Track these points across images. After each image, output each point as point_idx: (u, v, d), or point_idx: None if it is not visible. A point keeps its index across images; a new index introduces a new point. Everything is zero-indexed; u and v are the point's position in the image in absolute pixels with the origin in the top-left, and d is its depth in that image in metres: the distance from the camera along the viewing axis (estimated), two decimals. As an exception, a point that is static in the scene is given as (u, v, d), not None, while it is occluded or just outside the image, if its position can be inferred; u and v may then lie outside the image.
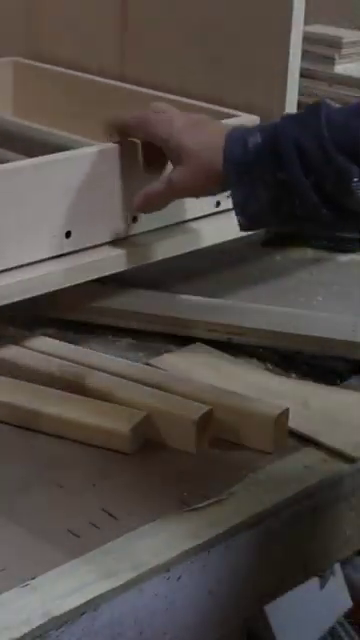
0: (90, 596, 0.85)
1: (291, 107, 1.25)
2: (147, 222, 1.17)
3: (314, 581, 1.59)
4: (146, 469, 1.01)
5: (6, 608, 0.82)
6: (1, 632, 0.80)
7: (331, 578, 1.63)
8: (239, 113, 1.26)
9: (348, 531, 1.07)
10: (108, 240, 1.15)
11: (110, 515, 0.94)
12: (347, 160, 0.98)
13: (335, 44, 1.69)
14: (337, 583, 1.67)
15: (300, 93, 1.28)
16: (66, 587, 0.85)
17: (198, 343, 1.22)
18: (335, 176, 0.99)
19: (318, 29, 1.70)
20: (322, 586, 1.62)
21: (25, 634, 0.81)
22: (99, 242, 1.14)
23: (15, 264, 1.07)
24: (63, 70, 1.44)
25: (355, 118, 0.99)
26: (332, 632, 1.67)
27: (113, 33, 1.42)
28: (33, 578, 0.86)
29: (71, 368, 1.11)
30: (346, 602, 1.69)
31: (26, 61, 1.49)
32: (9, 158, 1.21)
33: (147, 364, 1.17)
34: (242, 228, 1.07)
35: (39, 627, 0.81)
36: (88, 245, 1.13)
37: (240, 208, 1.05)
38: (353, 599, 1.70)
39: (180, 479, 0.99)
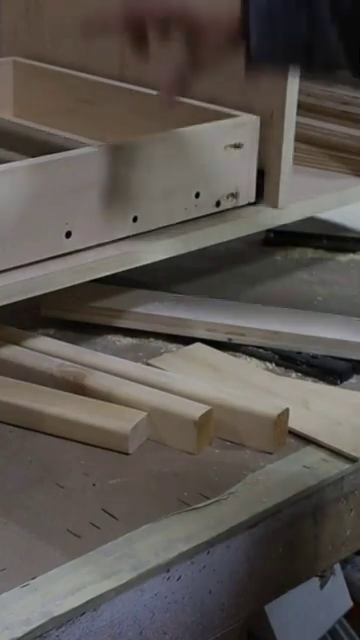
0: (90, 596, 0.85)
1: (291, 107, 1.25)
2: (147, 222, 1.17)
3: (314, 581, 1.59)
4: (146, 469, 1.01)
5: (6, 608, 0.82)
6: (1, 632, 0.80)
7: (331, 578, 1.63)
8: (239, 113, 1.26)
9: (348, 531, 1.07)
10: (108, 240, 1.15)
11: (110, 515, 0.94)
12: None
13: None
14: (337, 583, 1.67)
15: (300, 93, 1.28)
16: (66, 587, 0.85)
17: (198, 343, 1.22)
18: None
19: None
20: (322, 586, 1.62)
21: (25, 634, 0.81)
22: (99, 242, 1.14)
23: (15, 264, 1.07)
24: (63, 70, 1.44)
25: None
26: (332, 632, 1.67)
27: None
28: (33, 578, 0.86)
29: (71, 368, 1.11)
30: (346, 602, 1.69)
31: (26, 61, 1.49)
32: (9, 158, 1.21)
33: (147, 364, 1.17)
34: (249, 62, 1.01)
35: (39, 627, 0.82)
36: (88, 245, 1.13)
37: (254, 39, 0.98)
38: (353, 599, 1.70)
39: (180, 479, 0.99)
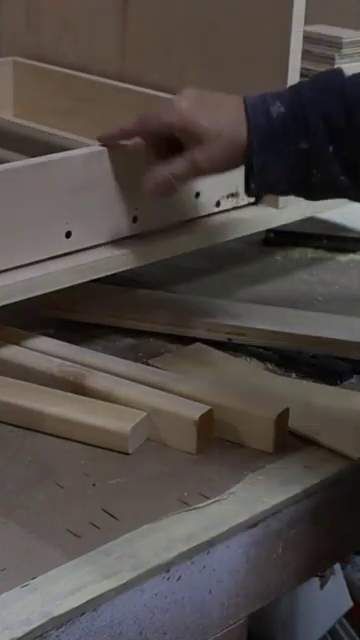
0: (90, 596, 0.85)
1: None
2: (147, 222, 1.17)
3: (314, 581, 1.59)
4: (146, 469, 1.01)
5: (6, 608, 0.82)
6: (1, 632, 0.80)
7: (331, 578, 1.63)
8: (239, 113, 1.26)
9: (348, 531, 1.07)
10: (108, 240, 1.15)
11: (110, 515, 0.94)
12: None
13: (335, 44, 1.69)
14: (337, 583, 1.67)
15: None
16: (66, 587, 0.85)
17: (198, 343, 1.22)
18: (357, 145, 1.00)
19: (318, 29, 1.70)
20: (322, 586, 1.62)
21: (25, 634, 0.81)
22: (99, 242, 1.14)
23: (15, 264, 1.07)
24: (63, 70, 1.44)
25: None
26: (332, 632, 1.67)
27: (113, 33, 1.42)
28: (33, 578, 0.86)
29: (71, 368, 1.11)
30: (346, 602, 1.69)
31: (26, 61, 1.49)
32: (9, 158, 1.21)
33: (147, 364, 1.17)
34: (251, 193, 1.08)
35: (39, 627, 0.81)
36: (88, 245, 1.13)
37: (257, 175, 1.04)
38: (353, 599, 1.70)
39: (180, 479, 0.99)
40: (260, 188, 1.07)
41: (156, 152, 1.09)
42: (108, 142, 1.13)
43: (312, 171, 1.03)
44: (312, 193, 1.08)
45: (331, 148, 1.01)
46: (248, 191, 1.07)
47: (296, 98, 1.03)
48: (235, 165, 1.07)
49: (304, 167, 1.03)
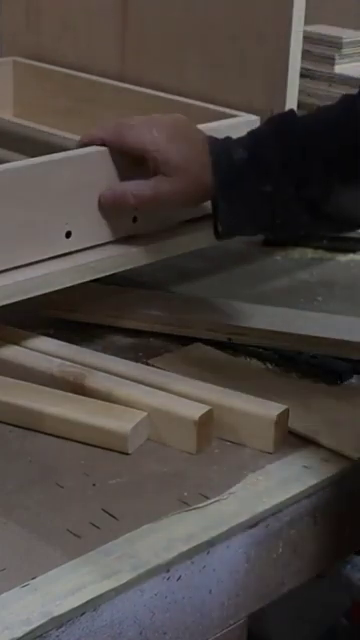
0: (90, 596, 0.85)
1: (291, 107, 1.25)
2: (147, 222, 1.17)
3: (314, 581, 1.59)
4: (146, 469, 1.01)
5: (6, 608, 0.82)
6: (1, 632, 0.80)
7: (331, 578, 1.63)
8: (239, 113, 1.26)
9: (348, 531, 1.07)
10: (108, 240, 1.15)
11: (110, 515, 0.94)
12: (328, 168, 1.05)
13: (335, 44, 1.69)
14: (337, 583, 1.67)
15: (300, 93, 1.28)
16: (66, 587, 0.85)
17: (198, 343, 1.22)
18: (317, 184, 1.05)
19: (318, 29, 1.70)
20: (322, 586, 1.62)
21: (25, 634, 0.81)
22: (99, 242, 1.14)
23: (15, 264, 1.07)
24: (63, 70, 1.44)
25: (333, 129, 1.06)
26: (332, 632, 1.67)
27: (113, 33, 1.43)
28: (33, 578, 0.86)
29: (71, 368, 1.11)
30: (346, 602, 1.70)
31: (26, 61, 1.49)
32: (9, 158, 1.21)
33: (147, 364, 1.17)
34: (219, 237, 1.12)
35: (39, 627, 0.81)
36: (88, 245, 1.13)
37: (223, 219, 1.09)
38: (353, 599, 1.70)
39: (180, 479, 0.99)
40: (227, 230, 1.11)
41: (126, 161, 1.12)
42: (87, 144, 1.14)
43: (276, 212, 1.07)
44: (277, 233, 1.16)
45: (292, 189, 1.06)
46: (217, 234, 1.11)
47: (256, 143, 1.08)
48: (194, 204, 1.13)
49: (268, 209, 1.07)
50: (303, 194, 1.06)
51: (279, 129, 1.08)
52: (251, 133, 1.10)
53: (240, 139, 1.10)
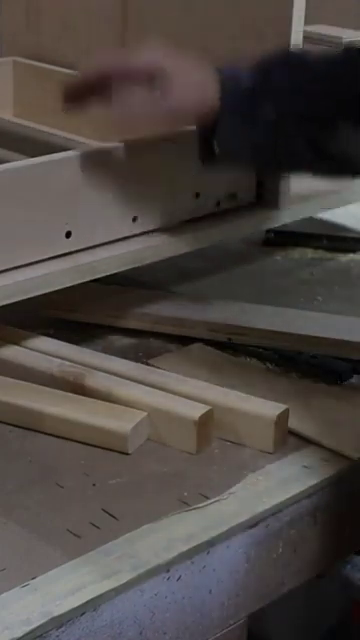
0: (90, 596, 0.85)
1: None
2: (147, 222, 1.17)
3: (314, 581, 1.59)
4: (146, 469, 1.01)
5: (6, 608, 0.82)
6: (1, 632, 0.80)
7: (331, 578, 1.63)
8: (239, 113, 1.26)
9: (348, 531, 1.07)
10: (108, 240, 1.15)
11: (110, 515, 0.94)
12: (333, 106, 1.03)
13: (335, 44, 1.69)
14: (337, 583, 1.67)
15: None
16: (66, 587, 0.85)
17: (198, 343, 1.22)
18: (323, 121, 1.04)
19: (318, 29, 1.70)
20: (322, 586, 1.62)
21: (25, 634, 0.81)
22: (99, 242, 1.14)
23: (15, 264, 1.07)
24: (63, 70, 1.44)
25: (338, 66, 1.06)
26: (332, 632, 1.67)
27: (113, 33, 1.42)
28: (33, 578, 0.86)
29: (71, 368, 1.11)
30: (346, 602, 1.69)
31: (26, 61, 1.49)
32: (9, 158, 1.21)
33: (147, 364, 1.17)
34: (212, 160, 1.09)
35: (39, 627, 0.82)
36: (88, 245, 1.13)
37: (223, 137, 1.06)
38: (353, 599, 1.70)
39: (180, 479, 0.99)
40: (223, 151, 1.08)
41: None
42: (72, 96, 1.11)
43: (278, 142, 1.05)
44: (274, 164, 1.11)
45: (297, 122, 1.04)
46: (206, 155, 1.08)
47: (266, 70, 1.06)
48: (196, 122, 1.08)
49: (270, 138, 1.05)
50: (307, 128, 1.05)
51: (291, 62, 1.07)
52: (261, 61, 1.08)
53: (249, 66, 1.08)
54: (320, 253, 1.52)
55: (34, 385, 1.09)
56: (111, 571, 0.87)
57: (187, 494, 0.97)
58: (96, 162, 1.11)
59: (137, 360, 1.17)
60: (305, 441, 1.06)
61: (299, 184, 1.31)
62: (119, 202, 1.14)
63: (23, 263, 1.08)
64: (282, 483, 1.00)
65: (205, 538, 0.92)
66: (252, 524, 0.96)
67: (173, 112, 1.07)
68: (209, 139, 1.08)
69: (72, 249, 1.12)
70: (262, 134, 1.06)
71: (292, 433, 1.07)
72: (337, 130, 1.04)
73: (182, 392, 1.07)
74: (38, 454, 1.02)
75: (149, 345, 1.23)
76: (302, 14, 1.24)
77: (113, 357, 1.15)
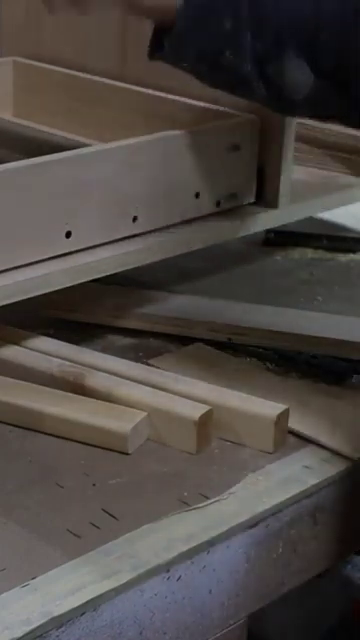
0: (90, 596, 0.85)
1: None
2: (147, 222, 1.17)
3: (314, 581, 1.59)
4: (146, 469, 1.01)
5: (6, 608, 0.82)
6: (1, 632, 0.80)
7: (331, 578, 1.63)
8: (239, 113, 1.26)
9: (348, 531, 1.07)
10: (108, 240, 1.15)
11: (110, 515, 0.94)
12: (287, 32, 1.02)
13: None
14: (337, 583, 1.67)
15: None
16: (66, 587, 0.85)
17: (198, 343, 1.22)
18: (271, 41, 1.02)
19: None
20: (322, 586, 1.62)
21: (25, 634, 0.81)
22: (99, 242, 1.14)
23: (15, 264, 1.07)
24: (63, 70, 1.44)
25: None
26: (332, 632, 1.67)
27: (113, 33, 1.42)
28: (33, 578, 0.86)
29: (71, 368, 1.11)
30: (346, 602, 1.69)
31: (26, 61, 1.48)
32: (9, 158, 1.21)
33: (147, 364, 1.17)
34: (155, 56, 1.07)
35: (39, 627, 0.82)
36: (88, 245, 1.13)
37: (175, 36, 1.04)
38: (353, 599, 1.70)
39: (180, 479, 0.99)
40: (172, 50, 1.06)
41: None
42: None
43: (225, 51, 1.03)
44: (216, 75, 1.08)
45: (249, 35, 1.02)
46: (157, 52, 1.06)
47: None
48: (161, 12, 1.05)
49: (220, 45, 1.03)
50: (257, 43, 1.02)
51: None
52: None
53: None
54: (320, 253, 1.52)
55: (34, 385, 1.09)
56: (111, 571, 0.87)
57: (187, 494, 0.97)
58: (96, 162, 1.11)
59: (137, 360, 1.17)
60: (305, 441, 1.06)
61: (299, 184, 1.32)
62: (119, 202, 1.14)
63: (23, 263, 1.08)
64: (282, 483, 1.00)
65: (205, 538, 0.92)
66: (252, 524, 0.96)
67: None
68: (161, 36, 1.06)
69: (72, 249, 1.11)
70: (214, 38, 1.04)
71: (292, 433, 1.07)
72: (284, 55, 1.02)
73: (182, 392, 1.07)
74: (38, 454, 1.02)
75: (149, 345, 1.23)
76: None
77: (113, 357, 1.15)
